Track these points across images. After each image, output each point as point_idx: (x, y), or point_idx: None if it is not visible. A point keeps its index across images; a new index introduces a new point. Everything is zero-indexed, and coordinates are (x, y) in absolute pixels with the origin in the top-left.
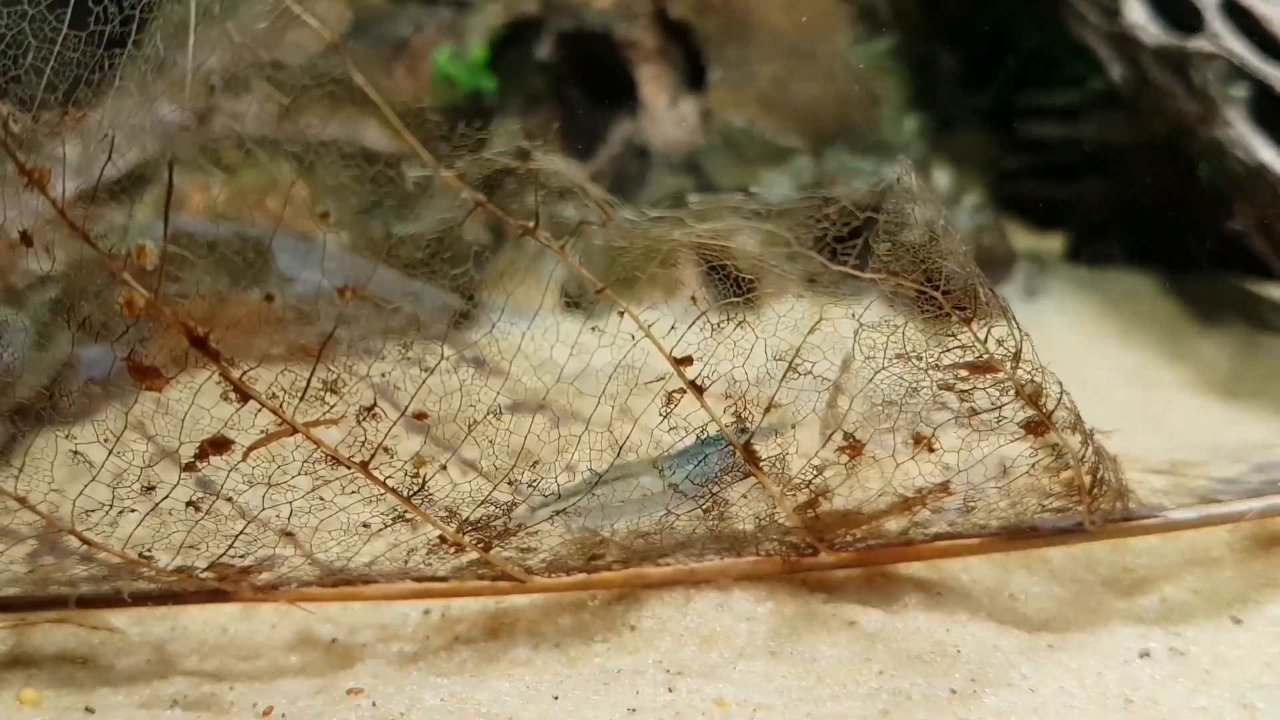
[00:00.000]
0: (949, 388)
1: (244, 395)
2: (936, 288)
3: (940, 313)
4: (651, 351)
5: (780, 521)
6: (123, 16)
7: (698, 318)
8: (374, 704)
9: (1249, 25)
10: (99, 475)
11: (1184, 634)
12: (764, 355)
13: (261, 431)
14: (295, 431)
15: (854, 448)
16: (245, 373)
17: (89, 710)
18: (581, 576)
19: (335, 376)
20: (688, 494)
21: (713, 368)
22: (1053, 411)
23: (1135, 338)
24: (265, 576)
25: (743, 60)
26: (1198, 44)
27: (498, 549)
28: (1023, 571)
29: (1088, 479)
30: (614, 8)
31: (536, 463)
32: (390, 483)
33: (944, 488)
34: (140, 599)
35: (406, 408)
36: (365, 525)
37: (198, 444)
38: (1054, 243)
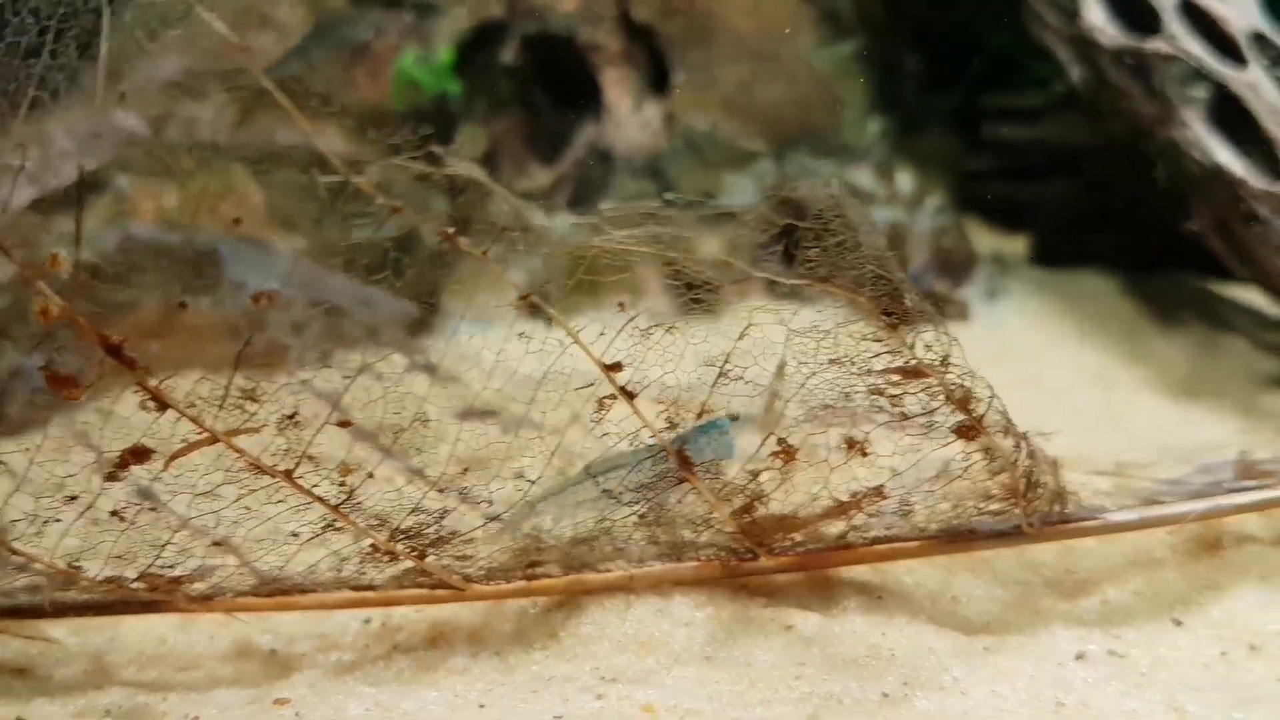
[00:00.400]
0: (880, 393)
1: (162, 404)
2: (862, 294)
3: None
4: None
5: (718, 527)
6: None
7: (626, 323)
8: (297, 714)
9: (1206, 26)
10: (23, 485)
11: (1124, 636)
12: (694, 361)
13: (183, 440)
14: (216, 440)
15: (788, 453)
16: (163, 380)
17: None
18: (521, 584)
19: (254, 385)
20: (622, 500)
21: (643, 373)
22: (983, 415)
23: (1095, 338)
24: (199, 586)
25: (706, 63)
26: (1155, 45)
27: (433, 557)
28: (966, 574)
29: (1021, 482)
30: (578, 11)
31: (466, 470)
32: (317, 491)
33: (878, 491)
34: (75, 609)
35: (329, 416)
36: (294, 534)
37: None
38: (1020, 244)
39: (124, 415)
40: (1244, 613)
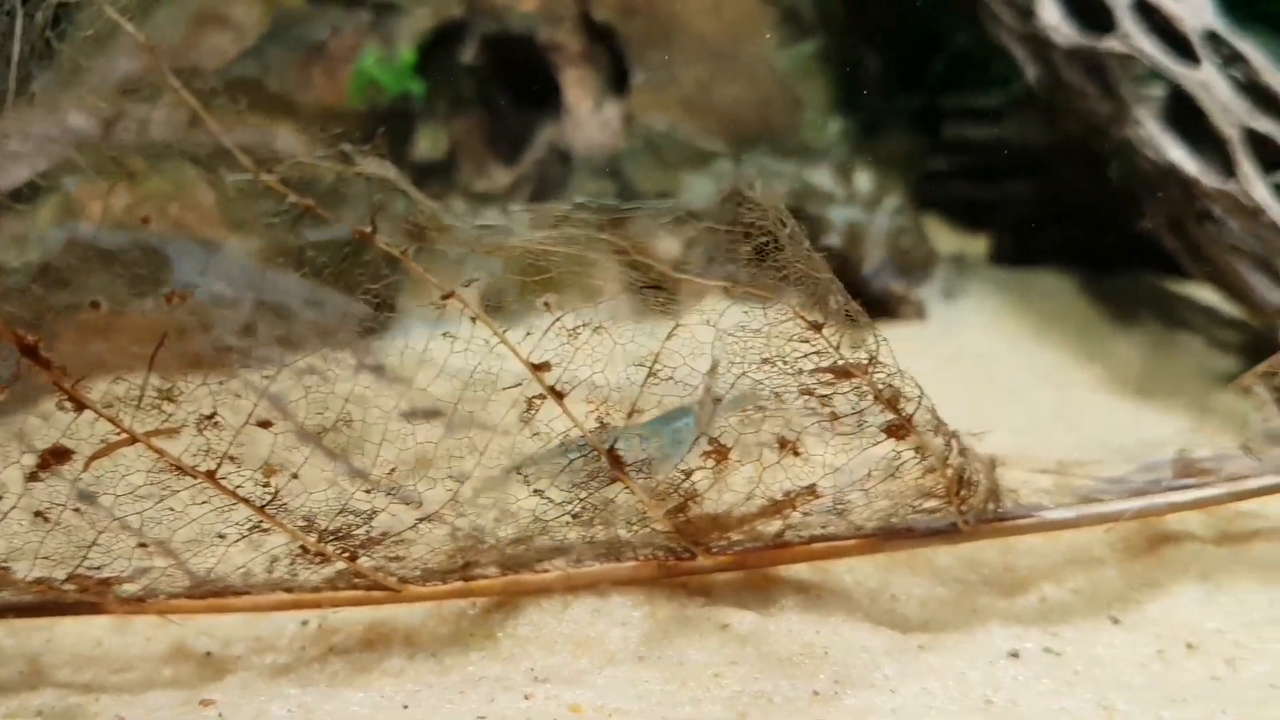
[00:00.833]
0: (809, 392)
1: (79, 405)
2: (787, 294)
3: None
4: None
5: (654, 526)
6: None
7: (552, 323)
8: (220, 715)
9: (1161, 25)
10: None
11: (1061, 634)
12: (623, 361)
13: (102, 441)
14: (135, 441)
15: (720, 452)
16: (77, 381)
17: None
18: (459, 585)
19: (170, 385)
20: (555, 499)
21: (572, 373)
22: (912, 415)
23: (1050, 337)
24: (130, 588)
25: (666, 64)
26: (1109, 44)
27: (365, 559)
28: (907, 572)
29: (953, 480)
30: (538, 11)
31: (393, 470)
32: (245, 492)
33: (811, 490)
34: (9, 611)
35: (249, 418)
36: (221, 536)
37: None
38: (982, 244)
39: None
40: (1182, 611)
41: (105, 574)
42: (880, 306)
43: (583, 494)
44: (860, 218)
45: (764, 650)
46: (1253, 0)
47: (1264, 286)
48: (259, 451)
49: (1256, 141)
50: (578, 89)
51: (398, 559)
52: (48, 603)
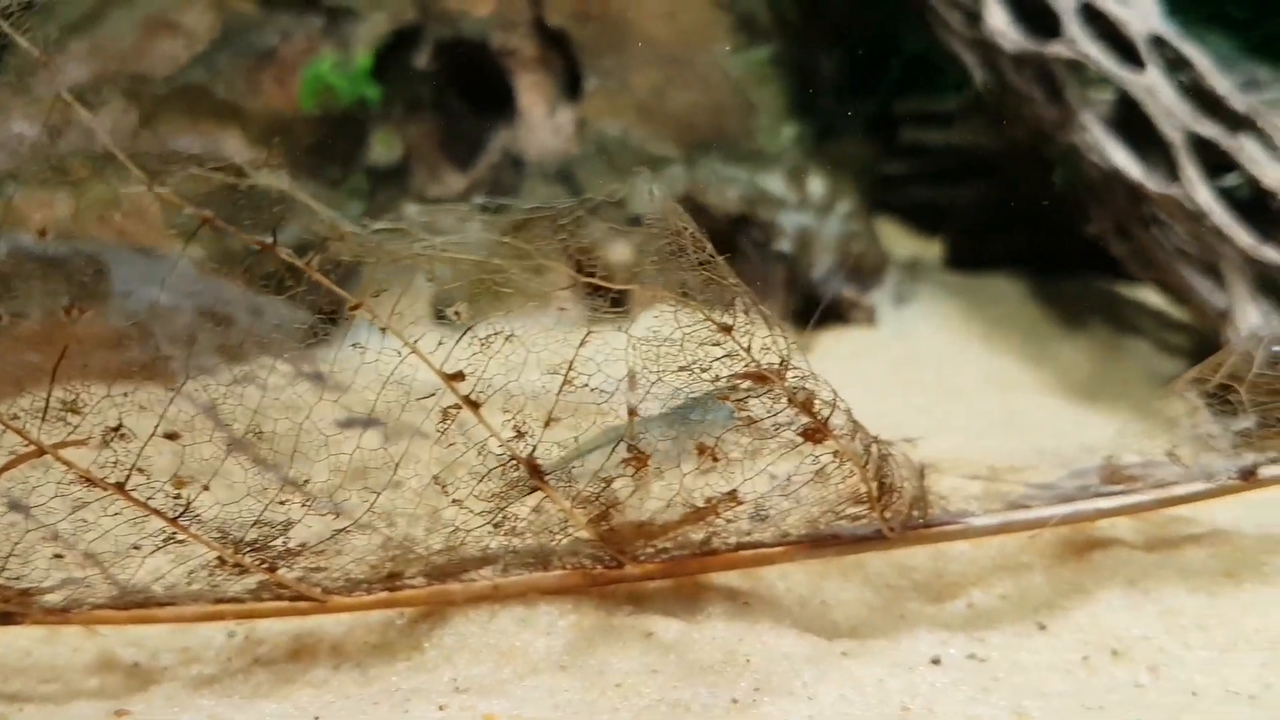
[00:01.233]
0: (724, 398)
1: None
2: (693, 300)
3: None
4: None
5: (577, 535)
6: None
7: (464, 333)
8: None
9: (1108, 29)
10: None
11: (987, 640)
12: (536, 369)
13: (11, 452)
14: (44, 453)
15: (639, 459)
16: None
17: None
18: (384, 595)
19: (75, 396)
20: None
21: (487, 382)
22: (828, 419)
23: (999, 342)
24: (53, 598)
25: (619, 69)
26: (1055, 49)
27: (284, 570)
28: (839, 578)
29: (874, 485)
30: (493, 16)
31: (307, 481)
32: (153, 503)
33: (732, 496)
34: None
35: (156, 428)
36: (136, 548)
37: None
38: (939, 248)
39: None
40: (1108, 617)
41: (24, 584)
42: (831, 312)
43: (503, 503)
44: (811, 223)
45: (687, 658)
46: (1210, 2)
47: (1207, 290)
48: (194, 463)
49: (1201, 146)
50: (531, 94)
51: (320, 570)
52: None
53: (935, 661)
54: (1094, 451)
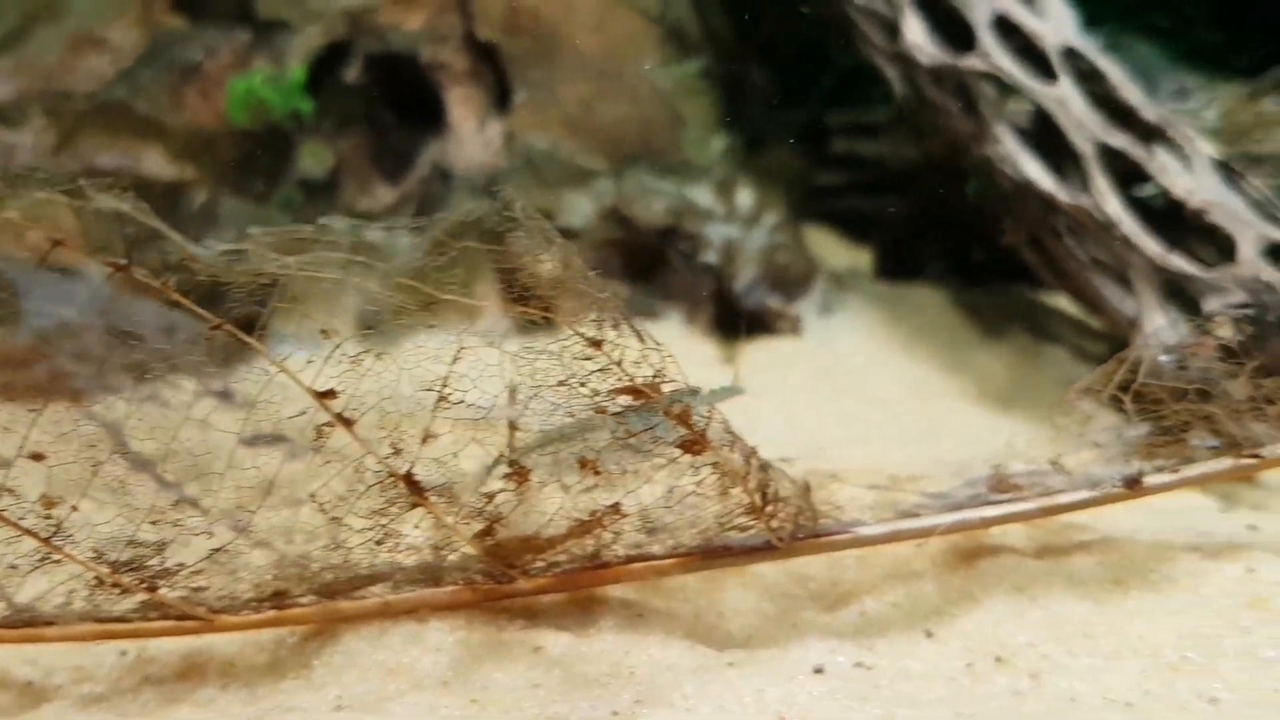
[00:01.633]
0: (602, 411)
1: None
2: (557, 313)
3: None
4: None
5: (463, 550)
6: None
7: (333, 350)
8: None
9: (1024, 42)
10: None
11: (876, 648)
12: (409, 386)
13: None
14: None
15: (521, 474)
16: None
17: None
18: (272, 614)
19: None
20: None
21: (359, 400)
22: (705, 430)
23: (921, 351)
24: None
25: (549, 82)
26: (969, 62)
27: (165, 589)
28: (737, 588)
29: (757, 496)
30: (423, 30)
31: (181, 503)
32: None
33: (616, 509)
34: None
35: (22, 447)
36: (13, 567)
37: None
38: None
39: None
40: (994, 624)
41: None
42: (757, 322)
43: (384, 520)
44: (737, 235)
45: (572, 672)
46: (1136, 12)
47: (1118, 298)
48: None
49: (1111, 156)
50: (462, 108)
51: (201, 589)
52: None
53: (819, 670)
54: (1010, 458)
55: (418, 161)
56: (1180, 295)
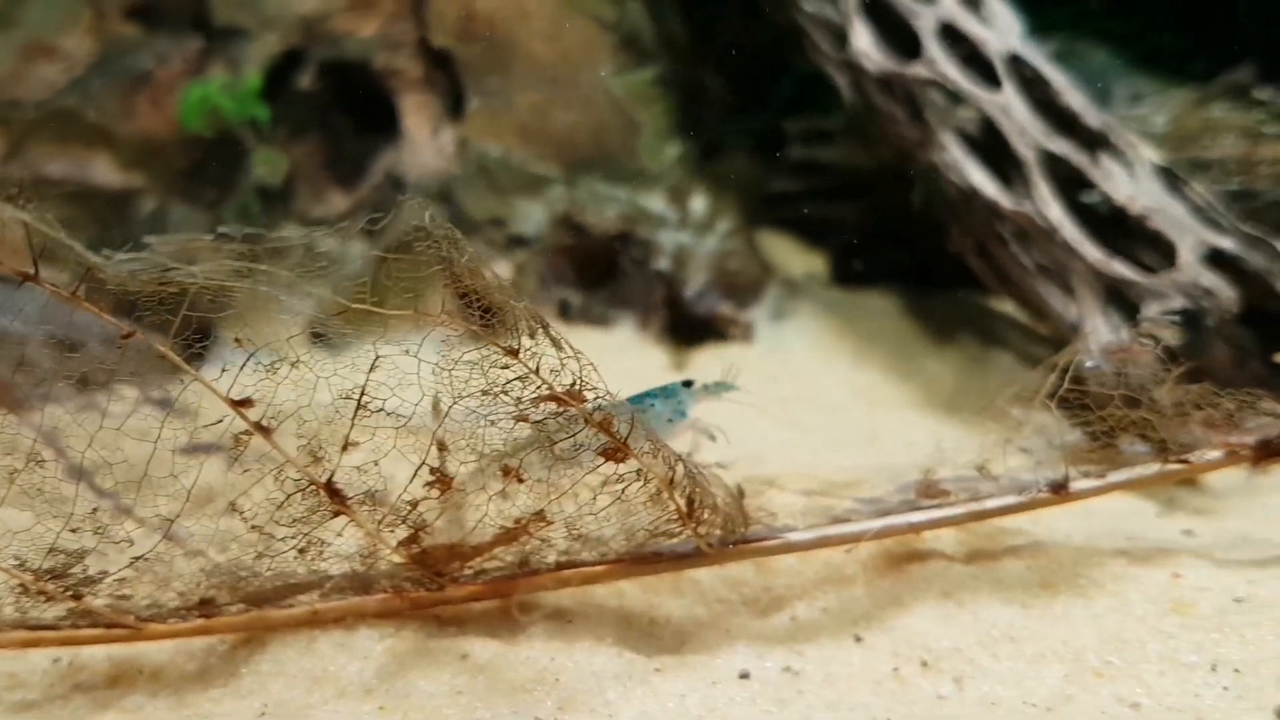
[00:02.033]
0: (523, 419)
1: None
2: (470, 322)
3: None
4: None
5: (389, 558)
6: None
7: (247, 359)
8: None
9: (969, 50)
10: None
11: (805, 653)
12: (329, 394)
13: None
14: None
15: (443, 482)
16: None
17: None
18: (200, 622)
19: None
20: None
21: (276, 408)
22: (627, 438)
23: (870, 357)
24: None
25: (503, 89)
26: (914, 70)
27: (90, 597)
28: (672, 594)
29: (683, 503)
30: (376, 36)
31: (96, 511)
32: None
33: (541, 516)
34: None
35: None
36: None
37: None
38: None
39: None
40: (922, 628)
41: None
42: (708, 328)
43: (306, 529)
44: (689, 241)
45: (497, 679)
46: (1092, 18)
47: (1061, 304)
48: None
49: (1054, 163)
50: (416, 115)
51: (125, 597)
52: None
53: (744, 676)
54: (949, 463)
55: (372, 168)
56: (1122, 300)
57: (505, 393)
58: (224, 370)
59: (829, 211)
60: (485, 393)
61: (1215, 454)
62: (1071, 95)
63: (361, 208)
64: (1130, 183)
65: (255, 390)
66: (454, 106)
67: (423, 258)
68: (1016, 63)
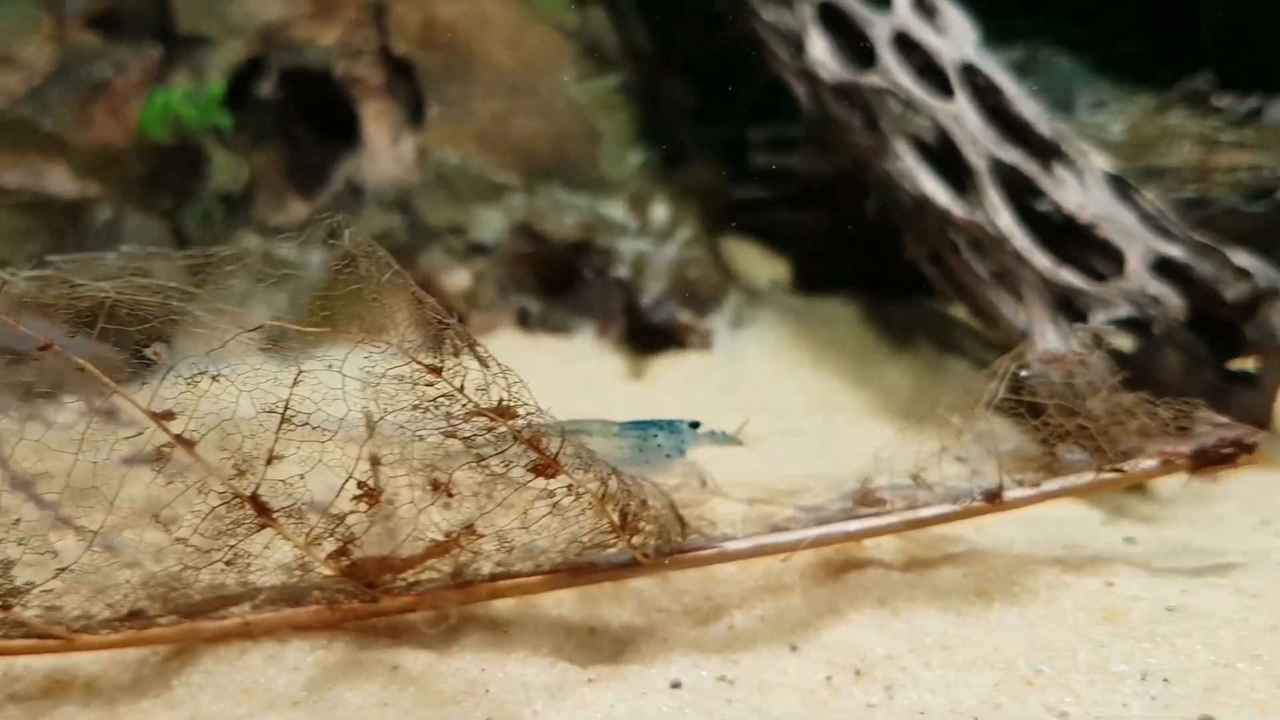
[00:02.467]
0: (452, 435)
1: None
2: (394, 338)
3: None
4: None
5: (321, 571)
6: None
7: (166, 372)
8: None
9: (924, 59)
10: None
11: (740, 662)
12: (251, 407)
13: None
14: None
15: (371, 495)
16: None
17: None
18: (131, 633)
19: None
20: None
21: (199, 421)
22: (557, 453)
23: (828, 364)
24: None
25: (463, 97)
26: (869, 79)
27: (19, 608)
28: (613, 604)
29: (615, 515)
30: (337, 44)
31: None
32: None
33: (470, 530)
34: None
35: None
36: None
37: None
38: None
39: None
40: (856, 636)
41: None
42: (667, 336)
43: (231, 541)
44: (649, 249)
45: (427, 690)
46: (1056, 25)
47: (1012, 312)
48: None
49: (1005, 172)
50: (376, 123)
51: (55, 608)
52: None
53: (675, 685)
54: (900, 470)
55: (332, 176)
56: (1071, 309)
57: (435, 408)
58: (143, 384)
59: (792, 219)
60: (415, 407)
61: (1151, 462)
62: (1024, 104)
63: (321, 215)
64: (1080, 191)
65: (176, 403)
66: (414, 114)
67: (342, 277)
68: (970, 72)
